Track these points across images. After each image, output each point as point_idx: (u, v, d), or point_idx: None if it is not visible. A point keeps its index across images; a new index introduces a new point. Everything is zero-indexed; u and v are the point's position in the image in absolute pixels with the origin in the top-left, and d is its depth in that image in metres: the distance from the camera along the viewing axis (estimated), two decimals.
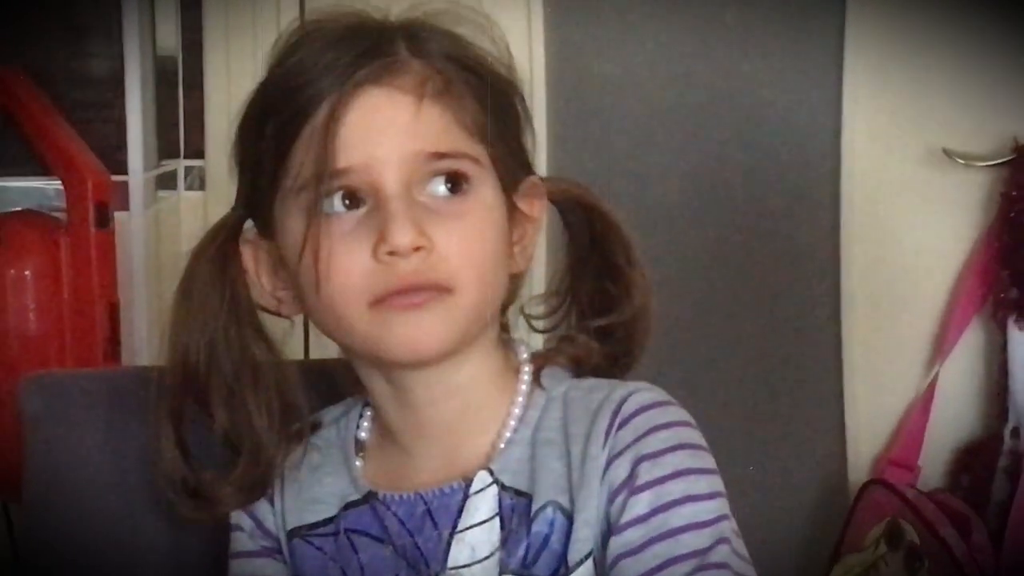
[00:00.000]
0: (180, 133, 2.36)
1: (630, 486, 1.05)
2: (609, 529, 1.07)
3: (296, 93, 1.06)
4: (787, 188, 2.76)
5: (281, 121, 1.06)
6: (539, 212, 1.16)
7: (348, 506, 1.15)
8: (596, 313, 1.18)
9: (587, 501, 1.08)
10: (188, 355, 1.13)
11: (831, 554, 2.50)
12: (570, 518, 1.09)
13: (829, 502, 2.63)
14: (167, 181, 2.30)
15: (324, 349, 1.21)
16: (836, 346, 2.67)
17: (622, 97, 2.82)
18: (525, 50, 2.66)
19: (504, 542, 1.10)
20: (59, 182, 2.08)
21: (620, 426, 1.08)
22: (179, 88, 2.34)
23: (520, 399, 1.14)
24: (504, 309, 1.14)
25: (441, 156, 1.04)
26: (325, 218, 1.04)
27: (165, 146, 2.31)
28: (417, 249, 1.01)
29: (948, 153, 2.45)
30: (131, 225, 2.11)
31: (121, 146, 2.13)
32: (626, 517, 1.04)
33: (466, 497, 1.11)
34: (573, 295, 1.19)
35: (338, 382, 1.24)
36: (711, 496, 1.05)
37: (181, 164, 2.37)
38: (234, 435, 1.15)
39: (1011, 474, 2.36)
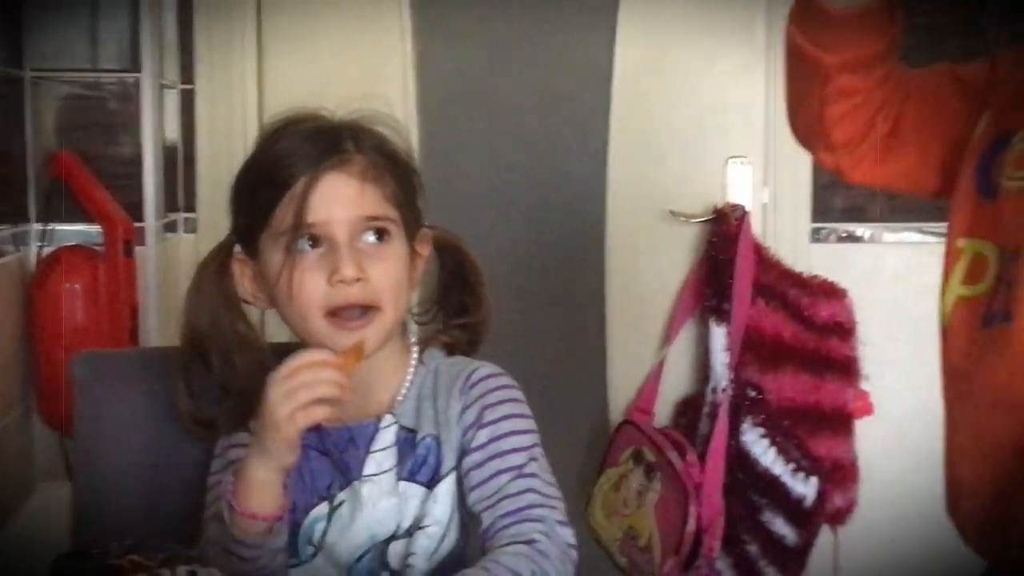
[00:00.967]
0: (179, 195, 2.53)
1: (476, 425, 1.29)
2: (463, 452, 1.29)
3: (281, 171, 1.26)
4: (568, 226, 2.87)
5: (270, 188, 1.26)
6: (427, 252, 1.37)
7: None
8: (457, 315, 1.41)
9: (450, 434, 1.30)
10: (196, 328, 1.32)
11: (598, 468, 2.69)
12: (440, 445, 1.31)
13: (597, 435, 2.80)
14: (170, 227, 2.48)
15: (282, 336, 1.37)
16: (602, 334, 2.84)
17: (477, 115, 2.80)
18: (400, 75, 2.73)
19: (399, 460, 1.31)
20: (99, 227, 2.23)
21: (471, 387, 1.31)
22: (178, 165, 2.53)
23: (411, 370, 1.36)
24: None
25: (373, 219, 1.28)
26: (297, 254, 1.25)
27: (169, 203, 2.47)
28: (358, 280, 1.25)
29: (674, 213, 2.75)
30: (146, 255, 2.30)
31: (140, 203, 2.32)
32: (473, 444, 1.28)
33: (376, 430, 1.31)
34: (442, 304, 1.41)
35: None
36: (527, 432, 1.29)
37: (180, 216, 2.54)
38: (226, 380, 1.32)
39: (711, 417, 2.61)
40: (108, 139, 2.37)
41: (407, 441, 1.31)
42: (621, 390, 2.80)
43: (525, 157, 2.79)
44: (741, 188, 2.77)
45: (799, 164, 2.73)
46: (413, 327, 1.43)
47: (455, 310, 1.40)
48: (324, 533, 1.30)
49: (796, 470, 2.53)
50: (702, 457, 2.54)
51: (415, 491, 1.30)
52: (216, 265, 1.34)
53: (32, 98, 2.31)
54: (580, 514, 2.65)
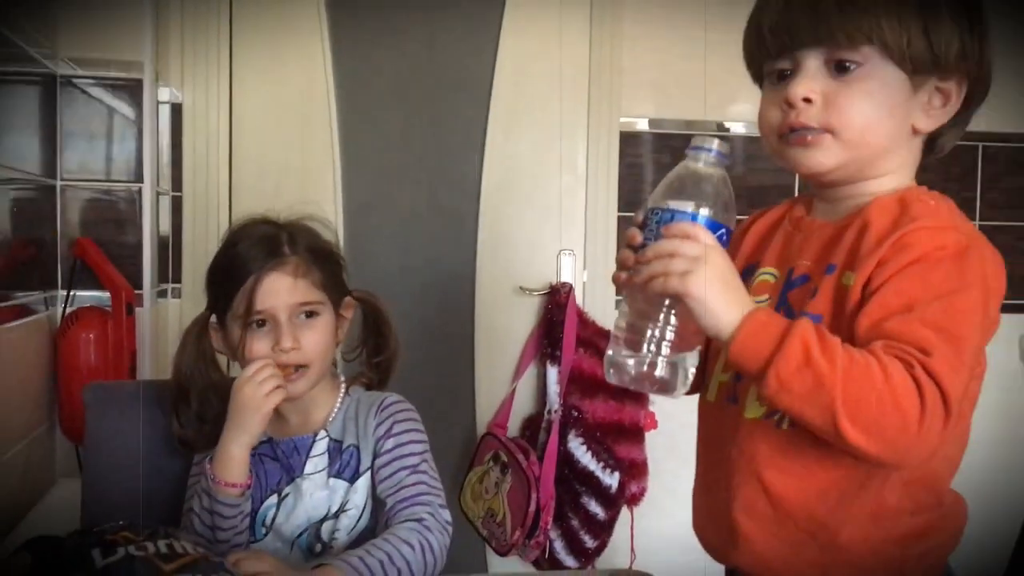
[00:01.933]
0: (169, 271, 2.47)
1: (386, 435, 1.28)
2: (375, 455, 1.27)
3: (237, 270, 1.23)
4: (449, 295, 2.78)
5: (229, 283, 1.24)
6: (351, 313, 1.35)
7: (259, 444, 1.29)
8: (375, 354, 1.38)
9: (367, 443, 1.28)
10: (182, 376, 1.30)
11: (468, 467, 2.64)
12: (359, 451, 1.28)
13: (467, 443, 2.75)
14: (162, 294, 2.42)
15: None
16: (471, 370, 2.77)
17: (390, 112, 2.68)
18: (322, 77, 2.65)
19: (330, 462, 1.29)
20: (108, 293, 2.19)
21: (382, 410, 1.30)
22: (169, 250, 2.48)
23: (339, 399, 1.33)
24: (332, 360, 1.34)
25: (304, 304, 1.25)
26: (250, 330, 1.23)
27: (162, 277, 2.41)
28: (293, 348, 1.24)
29: (522, 288, 2.72)
30: (143, 314, 2.24)
31: (139, 276, 2.27)
32: (382, 449, 1.27)
33: (314, 441, 1.30)
34: (364, 345, 1.38)
35: None
36: (421, 442, 1.29)
37: (169, 286, 2.48)
38: (203, 413, 1.30)
39: (547, 430, 2.56)
40: (117, 230, 2.32)
41: (335, 449, 1.29)
42: (484, 411, 2.78)
43: (419, 245, 2.76)
44: (568, 271, 2.79)
45: (608, 256, 2.77)
46: (342, 365, 1.41)
47: (373, 350, 1.38)
48: (274, 517, 1.28)
49: (605, 467, 2.55)
50: (541, 458, 2.53)
51: (340, 485, 1.28)
52: (197, 331, 1.31)
53: (61, 200, 2.28)
54: (455, 499, 2.65)
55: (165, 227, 2.54)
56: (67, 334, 2.15)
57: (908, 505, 0.96)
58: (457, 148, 2.74)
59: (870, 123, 0.96)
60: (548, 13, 2.71)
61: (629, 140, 2.73)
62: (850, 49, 0.94)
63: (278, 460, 1.29)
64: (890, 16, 0.92)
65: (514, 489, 2.48)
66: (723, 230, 0.90)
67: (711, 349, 1.09)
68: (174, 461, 1.38)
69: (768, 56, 1.00)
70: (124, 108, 2.30)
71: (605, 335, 2.64)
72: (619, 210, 2.77)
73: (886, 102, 0.95)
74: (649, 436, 2.62)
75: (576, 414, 2.59)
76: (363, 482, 1.27)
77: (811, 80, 0.96)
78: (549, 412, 2.61)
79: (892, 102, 0.95)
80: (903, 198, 0.96)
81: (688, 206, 0.89)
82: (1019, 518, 1.17)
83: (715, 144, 0.92)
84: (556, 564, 2.54)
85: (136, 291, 2.26)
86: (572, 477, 2.56)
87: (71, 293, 2.24)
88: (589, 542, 2.55)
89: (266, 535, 1.28)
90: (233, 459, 1.21)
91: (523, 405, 2.73)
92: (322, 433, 1.29)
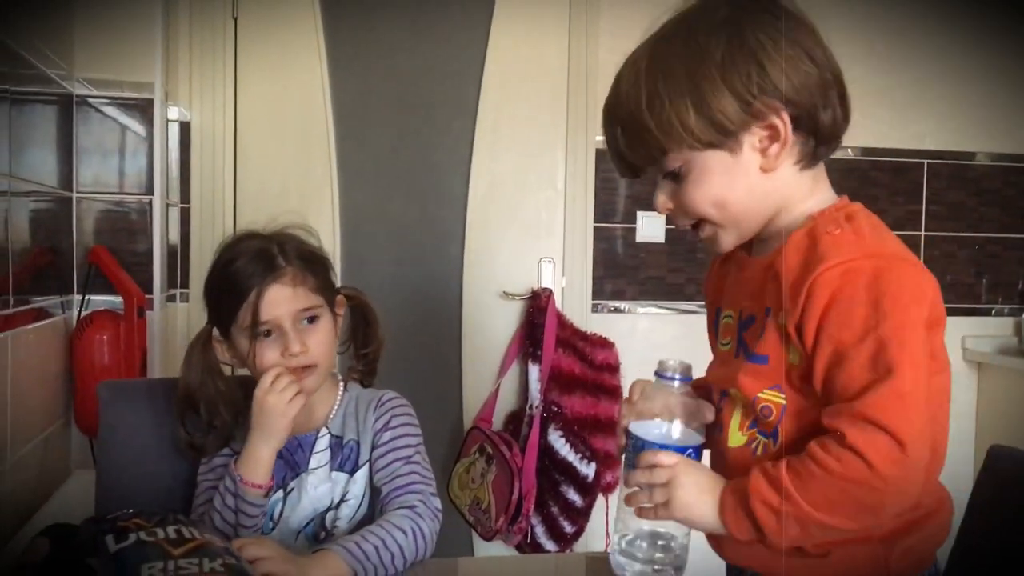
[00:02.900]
0: (178, 277, 2.47)
1: (383, 429, 1.27)
2: (373, 448, 1.27)
3: (238, 285, 1.21)
4: (438, 300, 2.77)
5: (232, 298, 1.21)
6: (343, 310, 1.32)
7: None
8: (362, 347, 1.36)
9: (366, 437, 1.27)
10: (189, 386, 1.28)
11: (455, 458, 2.62)
12: (359, 445, 1.28)
13: (455, 436, 2.73)
14: (171, 298, 2.41)
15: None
16: (459, 369, 2.76)
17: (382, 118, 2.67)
18: (320, 97, 2.65)
19: (331, 457, 1.28)
20: (121, 297, 2.16)
21: (381, 405, 1.29)
22: (178, 257, 2.47)
23: (339, 396, 1.32)
24: None
25: (306, 310, 1.23)
26: (258, 341, 1.21)
27: (171, 282, 2.40)
28: (302, 352, 1.22)
29: (506, 293, 2.72)
30: (153, 317, 2.22)
31: (150, 282, 2.25)
32: (379, 442, 1.27)
33: (316, 438, 1.29)
34: (353, 339, 1.36)
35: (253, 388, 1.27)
36: (415, 436, 1.28)
37: (178, 291, 2.48)
38: (210, 420, 1.28)
39: (529, 424, 2.55)
40: (129, 239, 2.29)
41: (336, 444, 1.28)
42: (471, 406, 2.77)
43: (410, 253, 2.76)
44: (548, 277, 2.78)
45: (585, 264, 2.79)
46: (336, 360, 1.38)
47: (361, 343, 1.37)
48: (281, 511, 1.27)
49: (582, 458, 2.54)
50: (523, 450, 2.53)
51: (341, 477, 1.28)
52: (201, 344, 1.29)
53: (77, 210, 2.25)
54: (443, 489, 2.63)
55: (174, 236, 2.53)
56: (82, 336, 2.13)
57: None
58: (445, 164, 2.74)
59: (717, 206, 0.94)
60: (529, 39, 2.73)
61: (604, 157, 2.48)
62: (660, 163, 0.94)
63: (283, 457, 1.27)
64: (663, 124, 0.91)
65: (498, 479, 2.47)
66: (690, 449, 0.93)
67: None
68: (182, 455, 1.38)
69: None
70: (136, 126, 2.29)
71: (582, 336, 2.68)
72: (595, 221, 2.78)
73: (718, 181, 0.93)
74: None
75: (556, 409, 2.57)
76: (362, 474, 1.27)
77: (660, 192, 0.98)
78: (531, 407, 2.60)
79: (722, 177, 0.93)
80: (812, 231, 0.92)
81: (655, 434, 0.92)
82: (961, 508, 1.16)
83: (678, 371, 0.95)
84: (537, 548, 2.53)
85: (147, 295, 2.25)
86: (552, 467, 2.55)
87: (86, 297, 2.22)
88: (568, 527, 2.54)
89: (273, 529, 1.27)
90: (261, 462, 1.20)
91: (507, 401, 2.72)
92: (324, 430, 1.28)
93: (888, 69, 2.86)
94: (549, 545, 2.54)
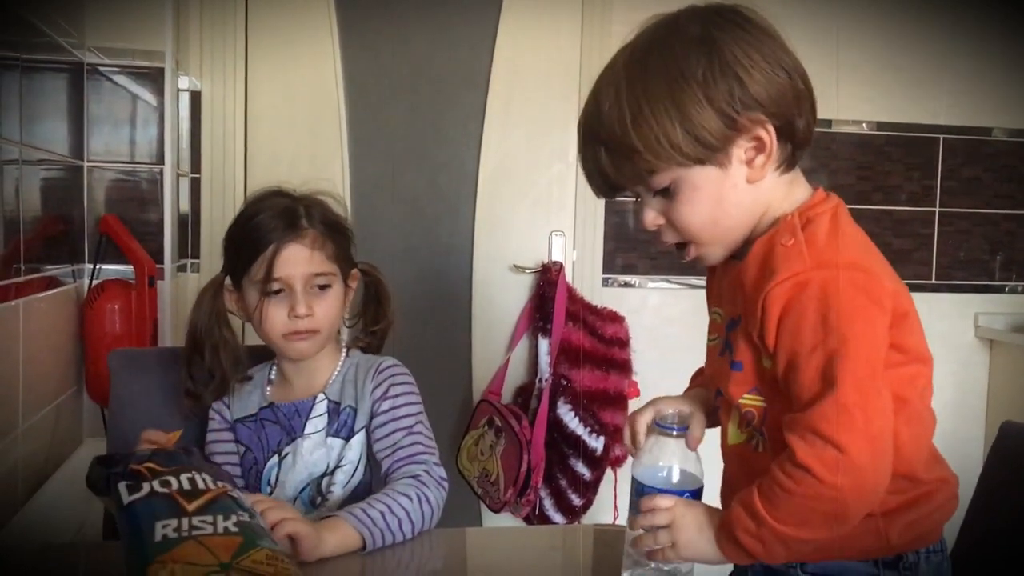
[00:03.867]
0: (188, 247, 2.47)
1: (383, 397, 1.27)
2: (371, 416, 1.26)
3: (258, 239, 1.22)
4: (449, 272, 2.77)
5: (250, 250, 1.23)
6: (355, 284, 1.34)
7: (262, 408, 1.31)
8: (373, 323, 1.37)
9: (363, 404, 1.27)
10: (196, 332, 1.29)
11: (464, 430, 2.63)
12: (356, 412, 1.27)
13: (464, 409, 2.73)
14: (182, 268, 2.41)
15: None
16: (469, 342, 2.77)
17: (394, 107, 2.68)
18: (332, 68, 2.64)
19: (328, 423, 1.28)
20: (132, 267, 2.16)
21: (380, 372, 1.29)
22: (188, 227, 2.46)
23: (340, 363, 1.32)
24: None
25: (319, 275, 1.25)
26: (267, 296, 1.23)
27: (181, 252, 2.40)
28: (307, 315, 1.24)
29: (517, 266, 2.72)
30: (164, 286, 2.22)
31: (161, 251, 2.25)
32: (379, 410, 1.26)
33: (314, 404, 1.29)
34: (363, 315, 1.37)
35: (258, 356, 1.36)
36: (415, 404, 1.28)
37: (189, 261, 2.48)
38: (213, 367, 1.30)
39: (538, 397, 2.55)
40: (140, 208, 2.29)
41: (333, 410, 1.28)
42: (480, 379, 2.77)
43: (421, 226, 2.76)
44: (559, 251, 2.78)
45: (596, 238, 2.78)
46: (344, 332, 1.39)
47: (372, 319, 1.37)
48: (277, 476, 1.28)
49: (591, 431, 2.54)
50: (532, 423, 2.52)
51: (337, 443, 1.28)
52: (212, 291, 1.30)
53: (88, 180, 2.25)
54: (452, 461, 2.63)
55: (185, 206, 2.52)
56: (93, 305, 2.13)
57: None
58: (456, 138, 2.73)
59: (708, 220, 0.95)
60: (542, 13, 2.71)
61: None
62: (646, 182, 0.94)
63: (279, 423, 1.29)
64: (651, 143, 0.90)
65: (507, 451, 2.47)
66: (687, 493, 0.96)
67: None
68: (191, 421, 1.38)
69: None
70: (146, 95, 2.28)
71: (593, 310, 2.68)
72: None
73: (708, 196, 0.93)
74: (632, 403, 2.61)
75: (565, 382, 2.57)
76: (358, 440, 1.26)
77: (647, 210, 0.97)
78: (540, 381, 2.60)
79: (712, 192, 0.93)
80: (770, 239, 0.93)
81: (657, 479, 0.97)
82: (971, 485, 1.17)
83: (676, 421, 0.98)
84: (545, 520, 2.53)
85: (158, 265, 2.25)
86: (561, 441, 2.55)
87: (97, 266, 2.22)
88: (576, 500, 2.55)
89: (271, 493, 1.27)
90: None
91: (516, 374, 2.73)
92: (321, 396, 1.29)
93: (903, 44, 2.84)
94: (557, 518, 2.54)
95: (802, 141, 0.95)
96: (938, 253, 2.89)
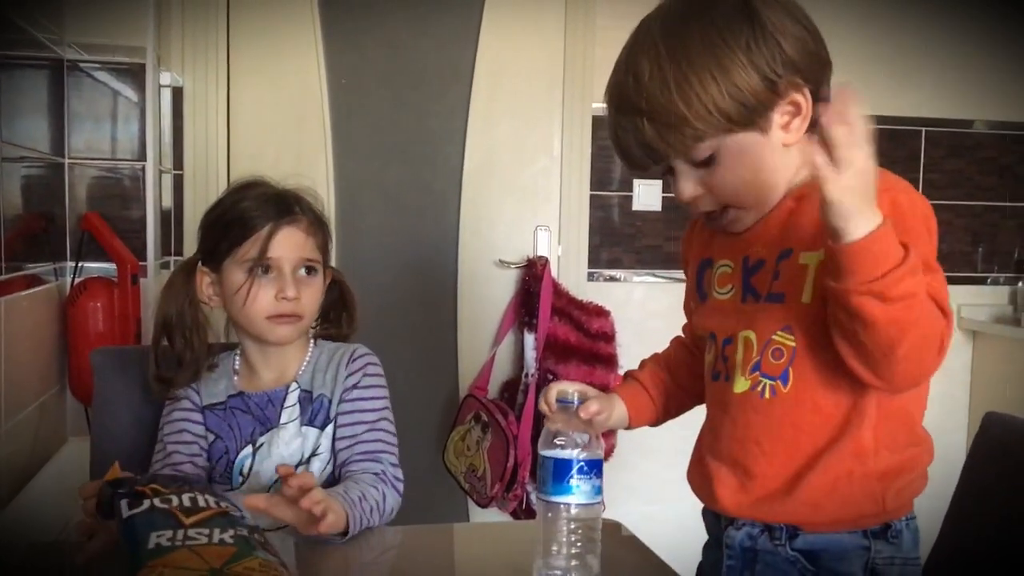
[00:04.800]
0: (171, 244, 2.46)
1: (354, 386, 1.28)
2: (340, 402, 1.27)
3: (250, 219, 1.23)
4: (434, 268, 2.76)
5: (240, 230, 1.23)
6: (327, 282, 1.33)
7: (230, 397, 1.30)
8: (334, 328, 1.38)
9: (336, 393, 1.28)
10: (166, 315, 1.28)
11: (451, 426, 2.64)
12: (330, 401, 1.28)
13: (451, 404, 2.74)
14: (165, 265, 2.38)
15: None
16: (455, 337, 2.77)
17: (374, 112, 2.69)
18: (315, 64, 2.65)
19: (301, 412, 1.28)
20: (115, 264, 2.15)
21: (354, 360, 1.30)
22: (171, 224, 2.46)
23: (310, 351, 1.32)
24: None
25: (309, 260, 1.26)
26: (256, 276, 1.23)
27: (164, 249, 2.39)
28: (295, 298, 1.24)
29: (502, 261, 2.73)
30: (147, 284, 2.21)
31: (144, 249, 2.24)
32: (347, 398, 1.27)
33: (287, 393, 1.29)
34: (325, 320, 1.38)
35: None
36: (382, 399, 1.29)
37: (172, 258, 2.47)
38: (184, 352, 1.29)
39: (524, 392, 2.59)
40: (123, 205, 2.28)
41: (306, 399, 1.29)
42: (466, 374, 2.78)
43: (406, 222, 2.77)
44: (544, 246, 2.79)
45: (581, 232, 2.80)
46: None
47: (334, 323, 1.39)
48: (250, 466, 1.27)
49: None
50: (519, 418, 2.54)
51: (312, 432, 1.28)
52: (185, 273, 1.30)
53: (69, 177, 2.24)
54: (439, 456, 2.65)
55: (168, 203, 2.51)
56: (76, 303, 2.12)
57: (887, 442, 0.98)
58: (441, 133, 2.74)
59: (749, 185, 0.98)
60: (525, 7, 2.71)
61: (600, 124, 2.70)
62: (690, 152, 0.95)
63: (251, 412, 1.28)
64: (698, 109, 0.92)
65: (494, 446, 2.48)
66: (584, 462, 0.98)
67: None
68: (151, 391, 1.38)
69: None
70: (128, 91, 2.27)
71: (578, 305, 2.68)
72: (591, 189, 2.78)
73: (750, 162, 0.96)
74: None
75: (551, 377, 2.58)
76: (331, 428, 1.28)
77: (685, 181, 0.98)
78: (526, 375, 2.62)
79: (754, 156, 0.96)
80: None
81: (556, 450, 0.99)
82: (954, 473, 1.20)
83: (575, 396, 1.04)
84: (532, 515, 2.51)
85: (140, 262, 2.23)
86: None
87: (79, 264, 2.21)
88: None
89: (243, 483, 1.27)
90: None
91: (502, 369, 2.74)
92: (294, 385, 1.29)
93: (887, 35, 2.86)
94: None
95: (825, 99, 0.98)
96: None
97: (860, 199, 0.83)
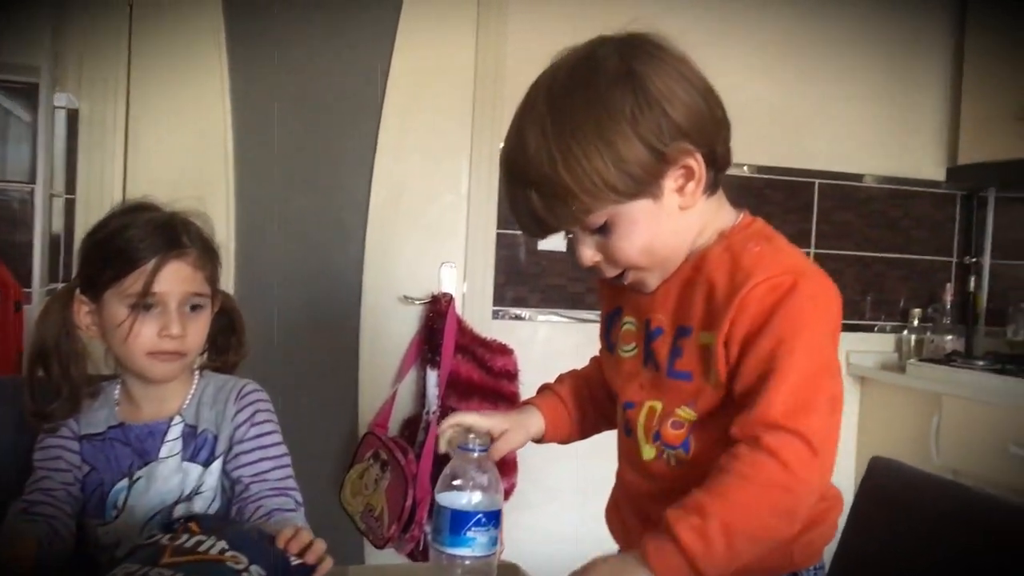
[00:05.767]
0: (60, 271, 2.39)
1: (247, 423, 1.26)
2: (232, 442, 1.25)
3: (135, 251, 1.19)
4: (336, 301, 2.74)
5: (124, 262, 1.18)
6: (216, 309, 1.30)
7: (110, 428, 1.27)
8: (225, 354, 1.35)
9: (223, 430, 1.25)
10: (43, 344, 1.24)
11: (349, 464, 2.60)
12: (216, 438, 1.26)
13: (350, 441, 2.70)
14: (51, 292, 2.10)
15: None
16: (356, 373, 2.75)
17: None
18: (219, 89, 2.63)
19: (184, 447, 1.26)
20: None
21: (242, 397, 1.28)
22: (60, 250, 2.40)
23: (195, 384, 1.30)
24: None
25: (196, 295, 1.23)
26: (139, 311, 1.19)
27: (52, 276, 2.32)
28: (180, 335, 1.21)
29: (407, 297, 2.73)
30: (32, 312, 2.11)
31: (30, 275, 2.19)
32: (243, 436, 1.26)
33: (169, 426, 1.26)
34: (213, 346, 1.34)
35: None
36: (278, 431, 1.28)
37: (59, 285, 2.29)
38: (61, 383, 1.24)
39: (425, 430, 2.57)
40: (9, 229, 2.21)
41: (190, 433, 1.26)
42: (367, 411, 2.75)
43: (309, 255, 2.75)
44: (450, 282, 2.79)
45: (487, 270, 2.81)
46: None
47: (225, 349, 1.36)
48: (125, 500, 1.24)
49: None
50: (418, 457, 2.52)
51: (194, 468, 1.25)
52: (63, 300, 1.25)
53: None
54: (336, 495, 2.62)
55: (57, 228, 2.44)
56: None
57: None
58: (348, 165, 2.74)
59: (646, 251, 0.98)
60: (437, 42, 2.73)
61: None
62: (582, 222, 0.96)
63: (130, 444, 1.25)
64: (584, 183, 0.92)
65: (392, 486, 2.46)
66: (482, 515, 0.97)
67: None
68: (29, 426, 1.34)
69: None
70: (19, 111, 2.21)
71: (482, 343, 2.70)
72: (498, 227, 2.80)
73: (645, 229, 0.97)
74: None
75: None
76: (217, 465, 1.25)
77: (583, 248, 1.00)
78: (428, 413, 2.61)
79: (648, 223, 0.97)
80: (730, 247, 0.98)
81: (457, 502, 0.98)
82: (842, 518, 1.21)
83: (477, 442, 1.02)
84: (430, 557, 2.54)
85: (25, 289, 2.15)
86: None
87: None
88: None
89: (117, 517, 1.23)
90: None
91: (403, 406, 2.72)
92: (177, 419, 1.26)
93: (785, 89, 2.96)
94: None
95: (723, 164, 1.00)
96: None
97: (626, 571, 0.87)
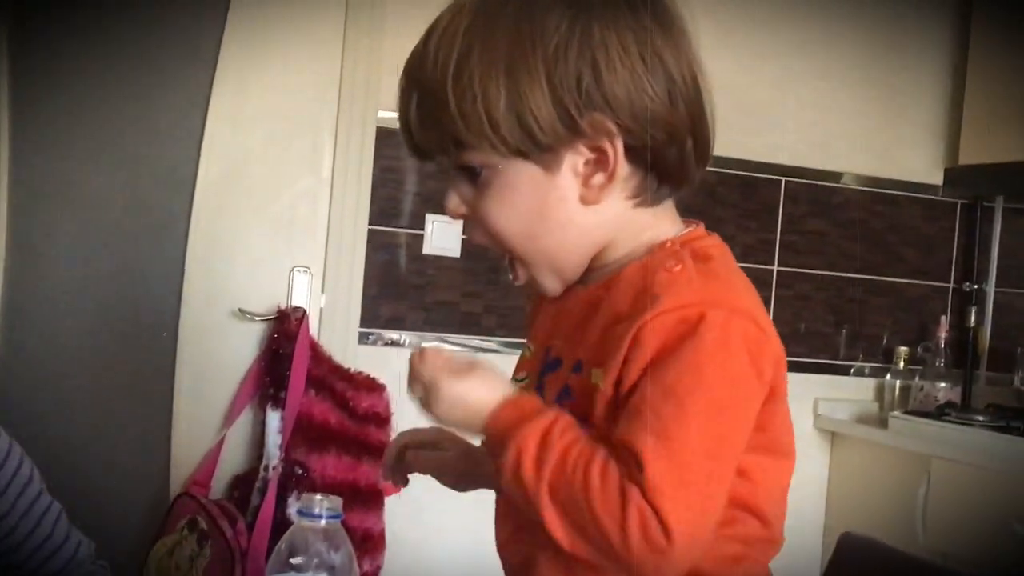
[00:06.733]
0: None
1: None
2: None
3: None
4: (144, 316, 2.74)
5: None
6: None
7: None
8: None
9: None
10: None
11: (154, 537, 2.55)
12: None
13: (157, 505, 2.66)
14: None
15: None
16: (168, 413, 2.72)
17: None
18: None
19: None
20: None
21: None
22: None
23: None
24: None
25: None
26: None
27: None
28: None
29: (242, 311, 2.72)
30: None
31: None
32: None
33: None
34: None
35: None
36: (39, 481, 1.34)
37: None
38: None
39: (262, 491, 2.58)
40: None
41: None
42: (183, 465, 2.71)
43: (109, 249, 2.71)
44: (302, 293, 2.78)
45: (353, 277, 2.81)
46: None
47: None
48: None
49: None
50: (251, 527, 2.51)
51: None
52: None
53: None
54: None
55: None
56: None
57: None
58: (168, 129, 2.72)
59: (519, 231, 1.00)
60: None
61: (387, 138, 2.72)
62: (453, 155, 0.99)
63: None
64: (465, 107, 0.95)
65: (213, 565, 2.43)
66: None
67: None
68: None
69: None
70: None
71: (343, 375, 2.69)
72: (371, 222, 2.79)
73: (522, 201, 0.99)
74: (389, 502, 2.64)
75: (300, 472, 2.58)
76: None
77: (454, 191, 1.02)
78: (266, 469, 2.61)
79: (528, 196, 0.98)
80: (647, 264, 0.98)
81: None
82: None
83: (325, 506, 1.04)
84: None
85: None
86: None
87: None
88: None
89: None
90: None
91: (233, 459, 2.71)
92: None
93: (744, 63, 2.98)
94: None
95: (673, 176, 1.00)
96: (774, 321, 3.10)
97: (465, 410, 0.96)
